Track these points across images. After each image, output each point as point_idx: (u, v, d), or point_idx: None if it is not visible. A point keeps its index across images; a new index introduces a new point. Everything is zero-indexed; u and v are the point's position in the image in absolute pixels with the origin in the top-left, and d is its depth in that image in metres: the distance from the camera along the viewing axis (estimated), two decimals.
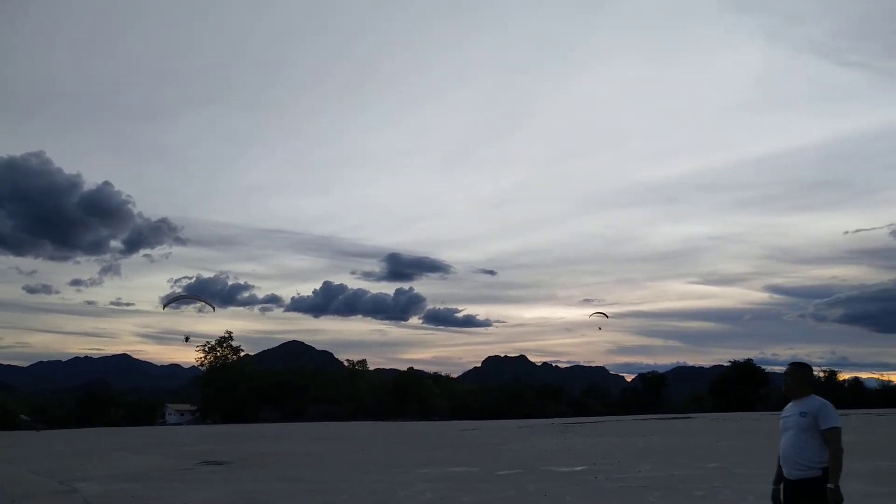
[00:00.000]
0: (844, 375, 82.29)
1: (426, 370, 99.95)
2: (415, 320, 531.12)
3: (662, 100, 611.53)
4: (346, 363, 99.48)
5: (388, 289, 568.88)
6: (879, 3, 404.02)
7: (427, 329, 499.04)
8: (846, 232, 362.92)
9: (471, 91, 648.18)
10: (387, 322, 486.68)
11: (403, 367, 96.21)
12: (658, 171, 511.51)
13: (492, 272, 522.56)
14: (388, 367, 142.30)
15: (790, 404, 5.08)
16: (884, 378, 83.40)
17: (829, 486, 4.60)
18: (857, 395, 74.99)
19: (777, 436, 5.18)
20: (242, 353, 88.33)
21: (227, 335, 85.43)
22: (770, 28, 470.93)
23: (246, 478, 15.79)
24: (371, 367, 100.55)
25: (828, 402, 4.88)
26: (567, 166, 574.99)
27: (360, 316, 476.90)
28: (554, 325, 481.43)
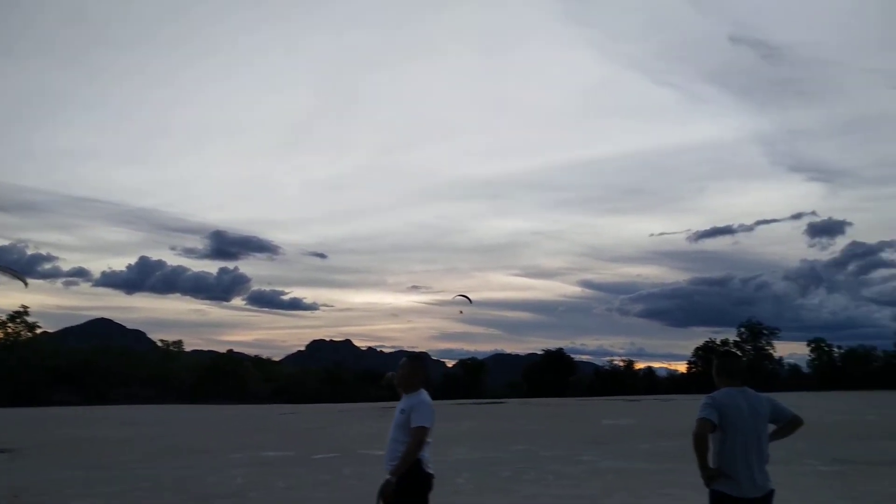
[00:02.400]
0: (640, 365, 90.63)
1: (247, 353, 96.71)
2: (238, 301, 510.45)
3: (496, 98, 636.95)
4: (159, 343, 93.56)
5: (211, 267, 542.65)
6: (693, 32, 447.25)
7: (251, 311, 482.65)
8: (651, 234, 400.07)
9: (310, 70, 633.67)
10: (207, 302, 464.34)
11: (223, 349, 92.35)
12: (488, 167, 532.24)
13: (322, 255, 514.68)
14: (206, 348, 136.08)
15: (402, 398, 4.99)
16: (672, 367, 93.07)
17: (388, 477, 4.62)
18: (650, 383, 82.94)
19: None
20: (40, 331, 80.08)
21: (21, 310, 77.01)
22: (601, 42, 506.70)
23: (32, 466, 14.37)
24: (188, 349, 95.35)
25: (427, 400, 4.86)
26: (402, 155, 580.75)
27: (178, 294, 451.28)
28: (381, 311, 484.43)
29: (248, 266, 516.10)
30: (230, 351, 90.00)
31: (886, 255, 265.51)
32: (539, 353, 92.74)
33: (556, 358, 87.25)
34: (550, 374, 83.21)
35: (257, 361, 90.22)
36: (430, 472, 4.87)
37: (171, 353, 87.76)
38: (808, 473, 11.15)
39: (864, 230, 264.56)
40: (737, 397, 4.23)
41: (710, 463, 4.18)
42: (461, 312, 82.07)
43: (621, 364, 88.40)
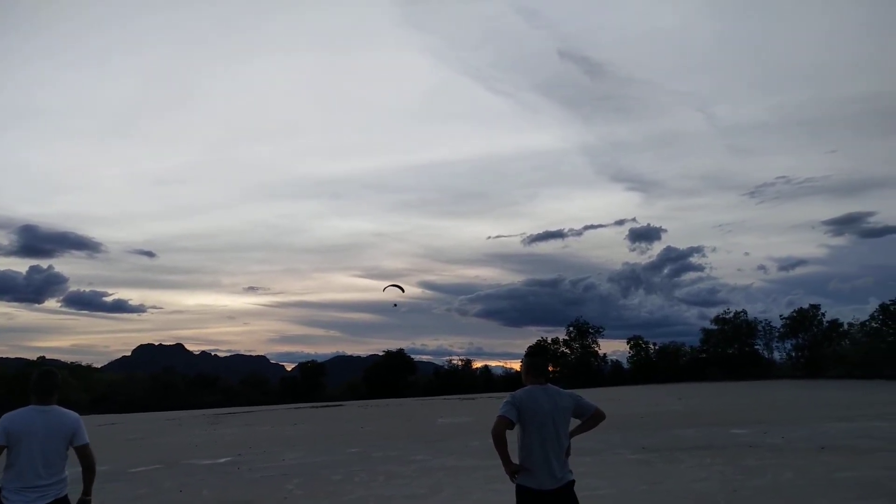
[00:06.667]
0: (478, 364, 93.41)
1: (63, 359, 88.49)
2: (52, 303, 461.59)
3: (337, 97, 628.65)
4: None
5: (20, 266, 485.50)
6: (525, 44, 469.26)
7: (67, 314, 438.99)
8: (488, 237, 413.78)
9: (139, 59, 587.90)
10: (14, 304, 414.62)
11: (33, 357, 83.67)
12: (328, 166, 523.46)
13: (150, 254, 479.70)
14: (13, 356, 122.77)
15: None
16: (507, 366, 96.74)
17: None
18: (486, 381, 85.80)
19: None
20: None
21: None
22: (437, 48, 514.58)
23: None
24: None
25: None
26: (237, 151, 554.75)
27: None
28: (216, 313, 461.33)
29: (64, 265, 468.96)
30: (41, 358, 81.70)
31: (694, 259, 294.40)
32: (380, 354, 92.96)
33: (397, 358, 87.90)
34: (390, 375, 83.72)
35: (74, 368, 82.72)
36: None
37: None
38: (617, 462, 12.07)
39: (676, 236, 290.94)
40: (537, 394, 4.48)
41: (515, 458, 4.41)
42: (395, 305, 79.99)
43: (459, 363, 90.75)
